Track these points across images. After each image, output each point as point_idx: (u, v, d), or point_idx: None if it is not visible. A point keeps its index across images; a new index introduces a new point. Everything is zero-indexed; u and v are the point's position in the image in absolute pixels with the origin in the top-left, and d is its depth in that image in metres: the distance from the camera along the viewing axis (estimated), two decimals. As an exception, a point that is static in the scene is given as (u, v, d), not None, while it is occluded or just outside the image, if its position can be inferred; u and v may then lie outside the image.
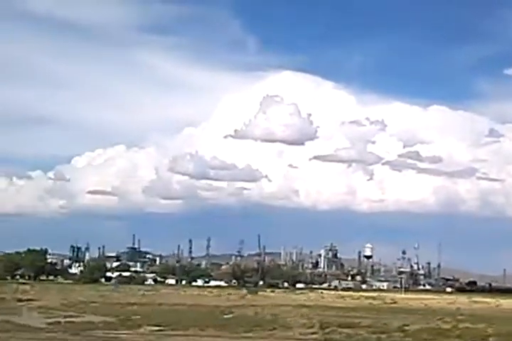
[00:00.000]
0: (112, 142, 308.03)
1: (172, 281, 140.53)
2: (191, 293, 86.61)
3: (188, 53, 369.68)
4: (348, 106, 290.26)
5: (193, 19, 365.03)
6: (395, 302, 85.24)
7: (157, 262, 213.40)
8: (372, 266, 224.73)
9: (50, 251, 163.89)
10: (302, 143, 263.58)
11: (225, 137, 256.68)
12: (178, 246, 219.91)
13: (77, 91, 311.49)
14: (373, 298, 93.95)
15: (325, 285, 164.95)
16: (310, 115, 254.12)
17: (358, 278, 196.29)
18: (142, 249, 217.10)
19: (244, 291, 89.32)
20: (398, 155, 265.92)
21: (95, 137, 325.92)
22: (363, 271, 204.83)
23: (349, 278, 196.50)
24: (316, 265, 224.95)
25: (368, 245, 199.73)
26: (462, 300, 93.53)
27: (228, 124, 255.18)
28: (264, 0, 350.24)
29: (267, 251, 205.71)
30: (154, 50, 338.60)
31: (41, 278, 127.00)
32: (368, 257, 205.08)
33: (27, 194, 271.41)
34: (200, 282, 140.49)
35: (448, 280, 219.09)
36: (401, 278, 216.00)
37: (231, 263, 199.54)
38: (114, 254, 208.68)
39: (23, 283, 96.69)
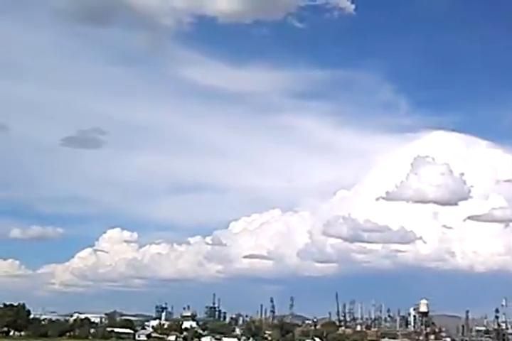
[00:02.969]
0: (268, 206, 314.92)
1: (172, 337, 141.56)
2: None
3: (340, 117, 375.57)
4: (504, 165, 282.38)
5: (345, 83, 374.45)
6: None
7: (239, 322, 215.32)
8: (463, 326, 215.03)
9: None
10: (456, 204, 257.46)
11: (377, 199, 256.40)
12: (261, 305, 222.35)
13: (232, 158, 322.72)
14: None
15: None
16: (463, 174, 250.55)
17: (432, 337, 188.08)
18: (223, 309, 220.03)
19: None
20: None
21: (251, 202, 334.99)
22: (437, 330, 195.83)
23: (421, 337, 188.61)
24: (406, 323, 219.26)
25: (423, 301, 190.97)
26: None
27: (380, 186, 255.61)
28: (414, 62, 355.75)
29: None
30: (307, 115, 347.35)
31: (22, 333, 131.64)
32: (424, 313, 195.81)
33: (187, 259, 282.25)
34: (207, 339, 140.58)
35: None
36: (488, 336, 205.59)
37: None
38: (189, 314, 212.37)
39: None
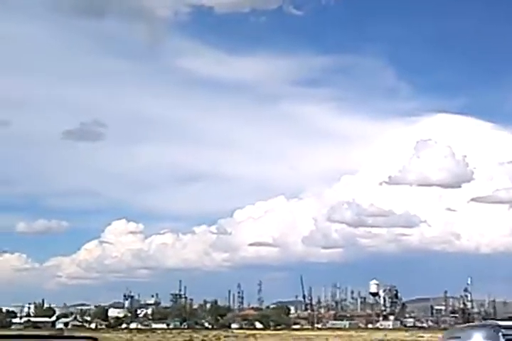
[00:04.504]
0: (272, 194, 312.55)
1: (93, 325, 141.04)
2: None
3: (342, 103, 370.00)
4: (508, 146, 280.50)
5: (346, 69, 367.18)
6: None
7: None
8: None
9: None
10: (459, 186, 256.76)
11: (380, 184, 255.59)
12: (229, 291, 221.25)
13: (235, 147, 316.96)
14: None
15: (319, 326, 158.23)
16: (465, 157, 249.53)
17: (391, 318, 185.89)
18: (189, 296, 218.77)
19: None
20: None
21: (255, 190, 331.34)
22: (396, 310, 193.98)
23: (381, 318, 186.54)
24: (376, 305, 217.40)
25: (374, 281, 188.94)
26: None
27: (383, 170, 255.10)
28: (416, 46, 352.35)
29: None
30: (308, 102, 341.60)
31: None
32: (374, 294, 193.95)
33: (192, 249, 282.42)
34: (134, 324, 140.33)
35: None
36: (454, 316, 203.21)
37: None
38: (152, 302, 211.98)
39: None
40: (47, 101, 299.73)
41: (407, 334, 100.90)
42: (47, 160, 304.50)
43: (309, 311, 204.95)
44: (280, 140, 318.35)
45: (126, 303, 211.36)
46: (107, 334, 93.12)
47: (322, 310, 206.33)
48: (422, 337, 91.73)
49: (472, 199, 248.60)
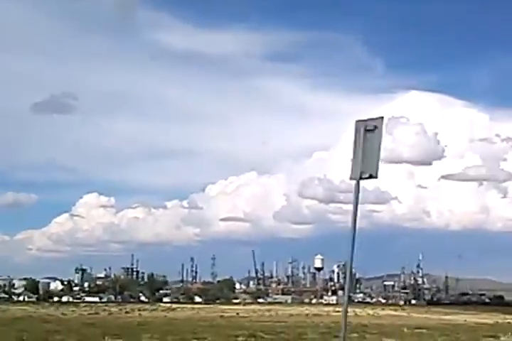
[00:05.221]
0: (244, 169, 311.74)
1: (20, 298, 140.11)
2: None
3: (315, 79, 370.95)
4: (478, 124, 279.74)
5: (320, 45, 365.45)
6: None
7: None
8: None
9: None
10: (430, 163, 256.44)
11: (352, 160, 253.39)
12: (182, 265, 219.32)
13: (208, 122, 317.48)
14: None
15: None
16: (436, 134, 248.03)
17: (340, 293, 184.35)
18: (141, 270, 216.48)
19: None
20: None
21: (228, 165, 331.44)
22: (345, 285, 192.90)
23: (329, 293, 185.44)
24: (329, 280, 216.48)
25: (319, 256, 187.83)
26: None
27: None
28: (389, 23, 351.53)
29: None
30: (281, 78, 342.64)
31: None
32: (319, 269, 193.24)
33: (164, 223, 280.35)
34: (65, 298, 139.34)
35: (465, 294, 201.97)
36: (405, 292, 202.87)
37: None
38: (103, 275, 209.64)
39: None
40: (15, 74, 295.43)
41: (328, 309, 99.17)
42: (17, 133, 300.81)
43: (260, 286, 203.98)
44: (253, 115, 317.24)
45: (76, 277, 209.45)
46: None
47: (273, 285, 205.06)
48: (338, 311, 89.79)
49: (442, 177, 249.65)
